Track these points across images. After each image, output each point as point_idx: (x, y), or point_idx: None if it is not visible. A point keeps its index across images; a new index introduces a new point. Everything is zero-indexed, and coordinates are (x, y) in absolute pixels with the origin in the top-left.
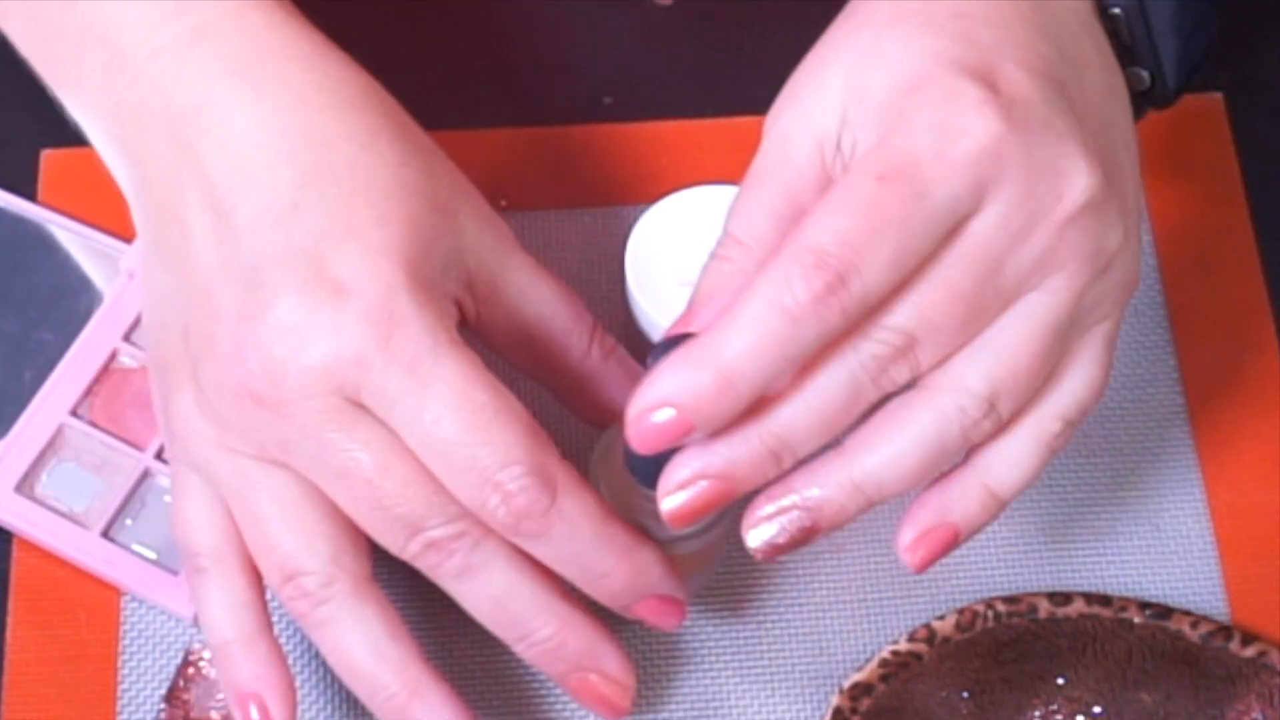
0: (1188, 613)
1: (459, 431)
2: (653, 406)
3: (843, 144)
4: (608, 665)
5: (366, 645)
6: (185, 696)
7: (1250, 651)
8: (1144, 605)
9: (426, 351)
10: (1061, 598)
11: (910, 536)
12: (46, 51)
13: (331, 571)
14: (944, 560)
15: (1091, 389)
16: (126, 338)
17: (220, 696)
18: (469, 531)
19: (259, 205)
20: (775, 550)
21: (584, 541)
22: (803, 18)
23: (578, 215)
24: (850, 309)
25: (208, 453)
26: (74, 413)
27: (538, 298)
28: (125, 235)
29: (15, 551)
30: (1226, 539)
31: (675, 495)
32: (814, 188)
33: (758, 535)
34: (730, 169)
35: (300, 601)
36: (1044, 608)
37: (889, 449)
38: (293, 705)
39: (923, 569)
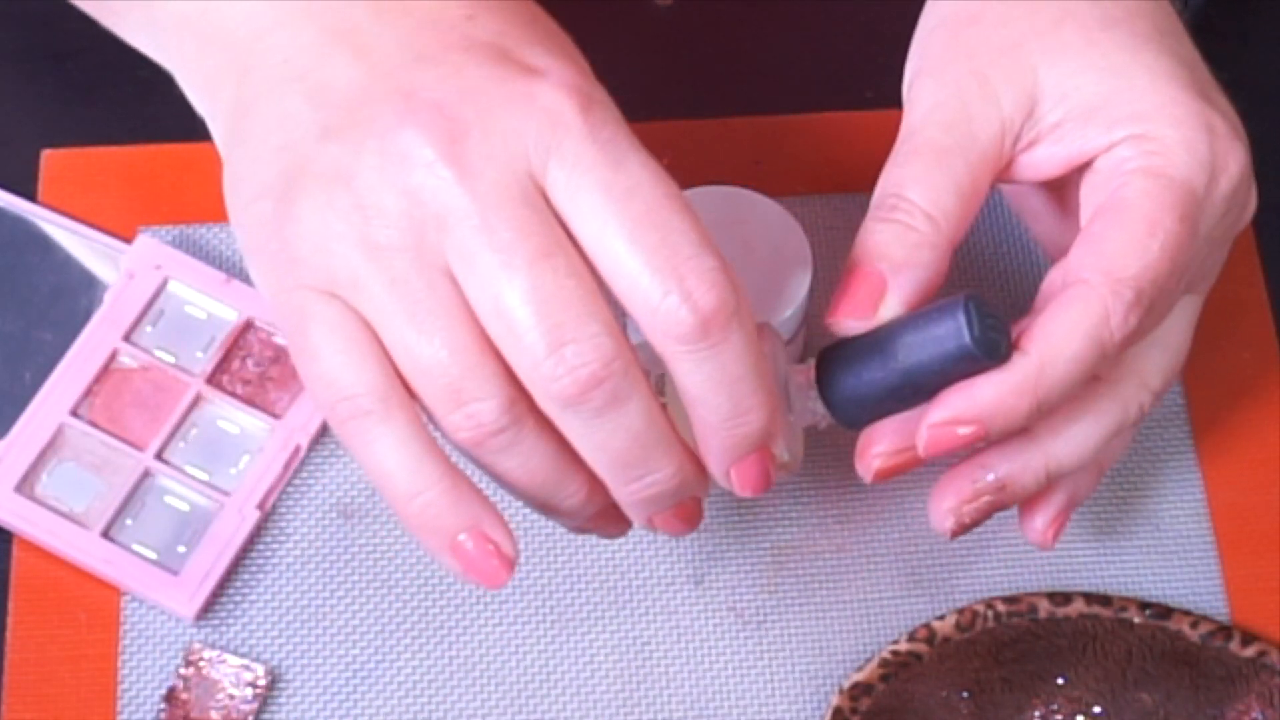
0: (1188, 613)
1: (653, 211)
2: (962, 420)
3: (1023, 134)
4: (702, 492)
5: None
6: (185, 696)
7: (1250, 651)
8: (1144, 605)
9: (622, 135)
10: (1061, 598)
11: (1045, 520)
12: None
13: (511, 394)
14: (944, 560)
15: (1181, 358)
16: (126, 338)
17: (220, 696)
18: (619, 357)
19: (421, 19)
20: (964, 529)
21: (747, 366)
22: (803, 18)
23: None
24: (1140, 339)
25: (353, 258)
26: (74, 413)
27: None
28: (125, 235)
29: (15, 551)
30: (1226, 539)
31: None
32: (991, 169)
33: (954, 516)
34: (731, 169)
35: (473, 432)
36: (1044, 608)
37: (1078, 437)
38: (513, 536)
39: (1054, 543)
